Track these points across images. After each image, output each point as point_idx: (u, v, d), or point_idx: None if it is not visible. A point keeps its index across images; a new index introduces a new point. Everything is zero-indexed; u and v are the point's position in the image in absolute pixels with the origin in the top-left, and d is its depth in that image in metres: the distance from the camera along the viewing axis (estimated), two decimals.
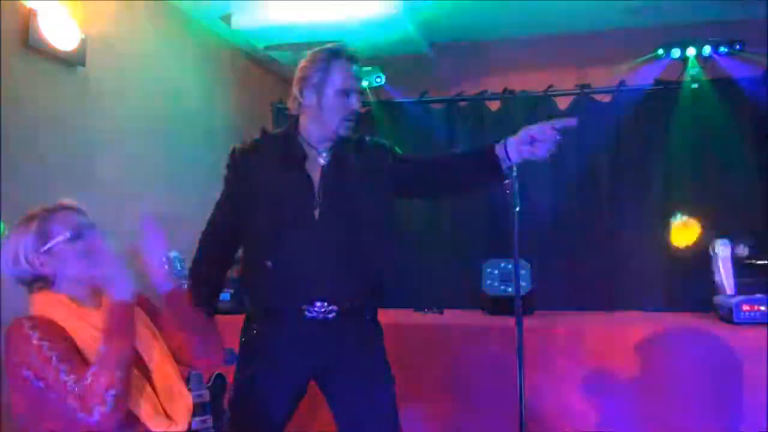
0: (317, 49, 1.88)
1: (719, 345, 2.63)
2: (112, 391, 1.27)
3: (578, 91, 3.66)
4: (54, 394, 1.28)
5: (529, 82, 3.72)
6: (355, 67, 1.87)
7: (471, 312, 3.33)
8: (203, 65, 3.72)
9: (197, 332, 1.57)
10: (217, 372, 2.62)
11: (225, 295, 3.20)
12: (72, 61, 2.69)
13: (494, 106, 3.82)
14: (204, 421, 1.66)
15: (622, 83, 3.61)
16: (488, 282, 3.22)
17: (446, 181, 1.96)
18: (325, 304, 1.80)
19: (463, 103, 3.86)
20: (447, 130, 3.82)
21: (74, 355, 1.32)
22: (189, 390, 1.54)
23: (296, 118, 1.92)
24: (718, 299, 2.93)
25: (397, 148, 1.96)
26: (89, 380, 1.27)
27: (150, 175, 3.17)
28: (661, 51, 3.43)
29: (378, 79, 3.81)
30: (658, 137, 3.52)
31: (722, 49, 3.29)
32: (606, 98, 3.69)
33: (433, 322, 3.13)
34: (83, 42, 2.69)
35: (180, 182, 3.38)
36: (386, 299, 3.78)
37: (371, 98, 3.88)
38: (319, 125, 1.86)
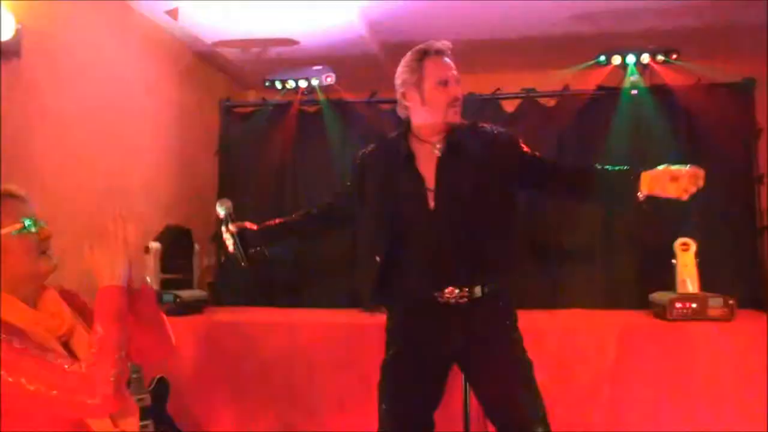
0: (408, 52, 2.01)
1: (654, 341, 2.74)
2: (115, 373, 1.25)
3: (524, 94, 3.75)
4: (40, 385, 1.22)
5: (477, 84, 3.78)
6: (446, 59, 1.97)
7: None
8: (148, 59, 3.62)
9: (153, 329, 1.54)
10: (159, 375, 2.58)
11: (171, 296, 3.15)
12: (7, 52, 2.58)
13: None
14: (145, 426, 1.62)
15: (566, 88, 3.72)
16: None
17: (578, 193, 2.11)
18: (456, 290, 1.89)
19: None
20: (396, 131, 3.83)
21: (54, 344, 1.28)
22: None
23: (407, 122, 2.04)
24: (653, 297, 3.05)
25: (522, 142, 2.03)
26: (89, 363, 1.24)
27: (90, 170, 3.07)
28: (602, 58, 3.54)
29: (328, 79, 3.80)
30: (600, 141, 3.63)
31: (659, 57, 3.42)
32: (551, 102, 3.79)
33: (380, 322, 3.15)
34: (18, 32, 2.58)
35: (122, 178, 3.29)
36: (337, 299, 3.79)
37: (321, 97, 3.87)
38: (428, 119, 1.97)
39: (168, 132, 3.85)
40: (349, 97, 3.89)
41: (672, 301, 2.83)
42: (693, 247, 2.97)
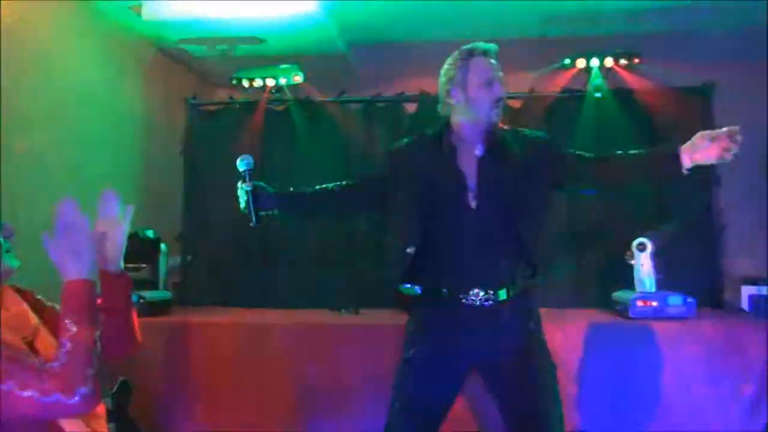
0: (456, 51, 2.03)
1: (616, 339, 2.79)
2: (92, 371, 1.23)
3: None
4: (15, 387, 1.19)
5: None
6: (492, 60, 1.98)
7: (388, 312, 3.36)
8: (111, 56, 3.55)
9: (121, 321, 1.51)
10: (121, 378, 2.53)
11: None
12: None
13: (411, 107, 3.87)
14: (108, 430, 1.59)
15: (532, 90, 3.77)
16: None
17: (617, 179, 2.12)
18: (482, 292, 1.88)
19: (380, 104, 3.90)
20: (364, 130, 3.84)
21: (20, 345, 1.25)
22: None
23: (446, 119, 2.04)
24: (616, 296, 3.11)
25: (557, 142, 2.06)
26: (64, 361, 1.21)
27: (52, 167, 3.00)
28: (567, 61, 3.60)
29: (296, 78, 3.78)
30: (565, 143, 3.68)
31: (622, 61, 3.49)
32: (517, 104, 3.84)
33: (349, 322, 3.15)
34: None
35: (84, 176, 3.21)
36: (306, 299, 3.77)
37: (289, 96, 3.84)
38: (471, 118, 1.97)
39: (132, 130, 3.78)
40: (317, 96, 3.87)
41: (633, 300, 2.90)
42: (650, 247, 3.04)
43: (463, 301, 1.90)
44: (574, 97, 3.68)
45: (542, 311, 3.41)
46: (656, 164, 1.95)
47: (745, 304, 3.37)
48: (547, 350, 1.97)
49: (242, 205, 2.06)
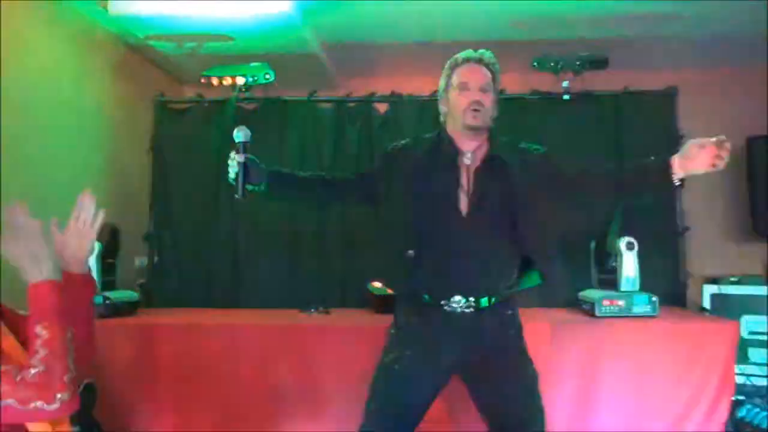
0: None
1: (584, 337, 2.84)
2: (69, 375, 1.21)
3: None
4: None
5: (416, 86, 3.82)
6: (475, 65, 2.00)
7: (359, 311, 3.37)
8: (76, 51, 3.47)
9: (79, 325, 1.47)
10: (86, 381, 2.47)
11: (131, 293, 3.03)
12: None
13: (382, 108, 3.88)
14: None
15: (501, 91, 3.79)
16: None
17: (616, 188, 2.09)
18: (463, 300, 1.88)
19: (351, 104, 3.90)
20: (335, 130, 3.83)
21: None
22: None
23: (444, 128, 2.07)
24: (583, 295, 3.17)
25: (554, 157, 2.07)
26: (41, 368, 1.19)
27: (13, 166, 2.92)
28: (536, 63, 3.64)
29: (267, 76, 3.74)
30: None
31: (589, 65, 3.55)
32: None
33: (319, 323, 3.13)
34: None
35: (48, 173, 3.14)
36: (275, 300, 3.74)
37: (259, 95, 3.80)
38: (454, 123, 2.00)
39: (98, 127, 3.70)
40: (288, 95, 3.85)
41: (600, 299, 2.95)
42: (636, 246, 3.07)
43: (445, 307, 1.91)
44: (542, 99, 3.74)
45: None
46: (649, 176, 1.97)
47: (707, 303, 3.47)
48: (528, 357, 1.99)
49: (231, 176, 2.04)
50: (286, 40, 3.67)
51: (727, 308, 3.37)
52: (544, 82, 3.72)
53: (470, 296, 1.90)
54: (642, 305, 2.92)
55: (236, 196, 2.04)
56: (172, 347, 2.85)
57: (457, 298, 1.90)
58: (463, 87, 1.97)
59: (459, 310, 1.90)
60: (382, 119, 3.87)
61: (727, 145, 1.81)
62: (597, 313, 2.93)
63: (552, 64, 3.59)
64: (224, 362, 2.82)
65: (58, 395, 1.19)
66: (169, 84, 4.42)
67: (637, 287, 3.03)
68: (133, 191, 3.87)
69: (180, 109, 3.97)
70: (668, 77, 3.78)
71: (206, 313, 3.42)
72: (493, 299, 1.93)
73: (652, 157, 1.96)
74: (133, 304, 3.22)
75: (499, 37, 3.84)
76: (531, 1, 3.35)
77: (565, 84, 3.60)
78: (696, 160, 1.83)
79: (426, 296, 1.93)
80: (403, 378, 1.93)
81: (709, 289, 3.50)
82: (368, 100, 3.86)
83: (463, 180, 1.95)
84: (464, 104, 1.96)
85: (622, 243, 3.09)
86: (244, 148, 2.04)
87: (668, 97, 3.71)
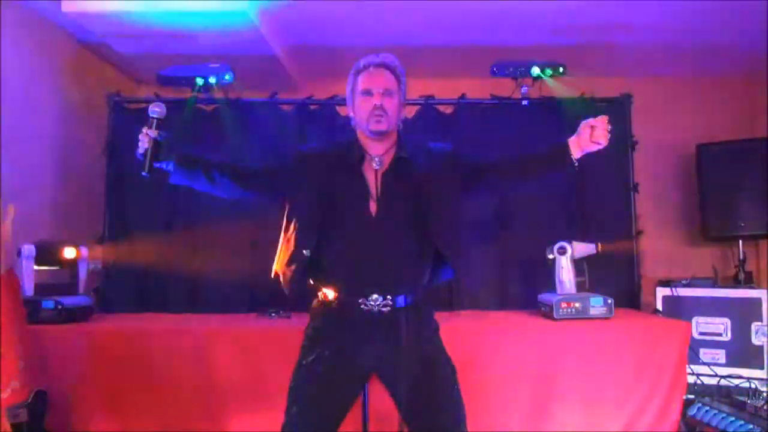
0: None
1: (542, 339, 2.89)
2: (22, 364, 1.25)
3: (422, 101, 3.84)
4: None
5: None
6: (377, 70, 2.02)
7: None
8: (27, 50, 3.36)
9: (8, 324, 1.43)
10: (37, 388, 2.38)
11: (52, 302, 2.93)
12: None
13: (344, 111, 3.86)
14: None
15: (462, 96, 3.85)
16: None
17: (518, 178, 2.16)
18: (381, 298, 1.90)
19: (313, 107, 3.88)
20: (296, 132, 3.81)
21: None
22: None
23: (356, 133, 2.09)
24: (541, 298, 3.22)
25: (461, 152, 2.10)
26: None
27: None
28: (496, 69, 3.69)
29: (227, 77, 3.69)
30: (494, 148, 3.78)
31: (548, 71, 3.62)
32: (448, 110, 3.91)
33: (281, 326, 3.10)
34: None
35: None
36: (233, 304, 3.68)
37: (219, 95, 3.75)
38: (359, 129, 2.05)
39: (50, 128, 3.59)
40: (248, 96, 3.80)
41: (558, 302, 3.00)
42: (569, 250, 3.18)
43: (362, 306, 1.92)
44: (502, 104, 3.79)
45: (469, 313, 3.51)
46: (551, 158, 2.08)
47: (660, 305, 3.56)
48: (446, 355, 2.01)
49: (140, 151, 2.02)
50: (246, 42, 3.62)
51: (679, 309, 3.47)
52: (505, 88, 3.77)
53: (387, 295, 1.92)
54: (598, 307, 2.98)
55: (142, 172, 2.02)
56: (123, 353, 2.78)
57: (375, 296, 1.92)
58: (366, 92, 2.00)
59: (376, 308, 1.92)
60: (344, 121, 3.84)
61: (606, 123, 1.98)
62: (555, 316, 2.98)
63: (512, 69, 3.64)
64: (177, 367, 2.75)
65: (10, 383, 1.21)
66: (126, 83, 4.32)
67: (573, 290, 3.13)
68: (88, 193, 3.77)
69: (135, 108, 3.87)
70: (623, 84, 3.88)
71: (161, 318, 3.34)
72: (409, 298, 1.96)
73: (553, 144, 2.09)
74: (86, 309, 3.13)
75: (460, 42, 3.89)
76: (490, 7, 3.40)
77: (524, 89, 3.65)
78: (582, 137, 1.99)
79: (342, 295, 1.95)
80: (322, 379, 1.93)
81: (662, 291, 3.59)
82: (330, 103, 3.85)
83: (371, 184, 1.98)
84: (368, 109, 1.99)
85: (555, 248, 3.17)
86: (157, 124, 2.03)
87: (622, 103, 3.81)
